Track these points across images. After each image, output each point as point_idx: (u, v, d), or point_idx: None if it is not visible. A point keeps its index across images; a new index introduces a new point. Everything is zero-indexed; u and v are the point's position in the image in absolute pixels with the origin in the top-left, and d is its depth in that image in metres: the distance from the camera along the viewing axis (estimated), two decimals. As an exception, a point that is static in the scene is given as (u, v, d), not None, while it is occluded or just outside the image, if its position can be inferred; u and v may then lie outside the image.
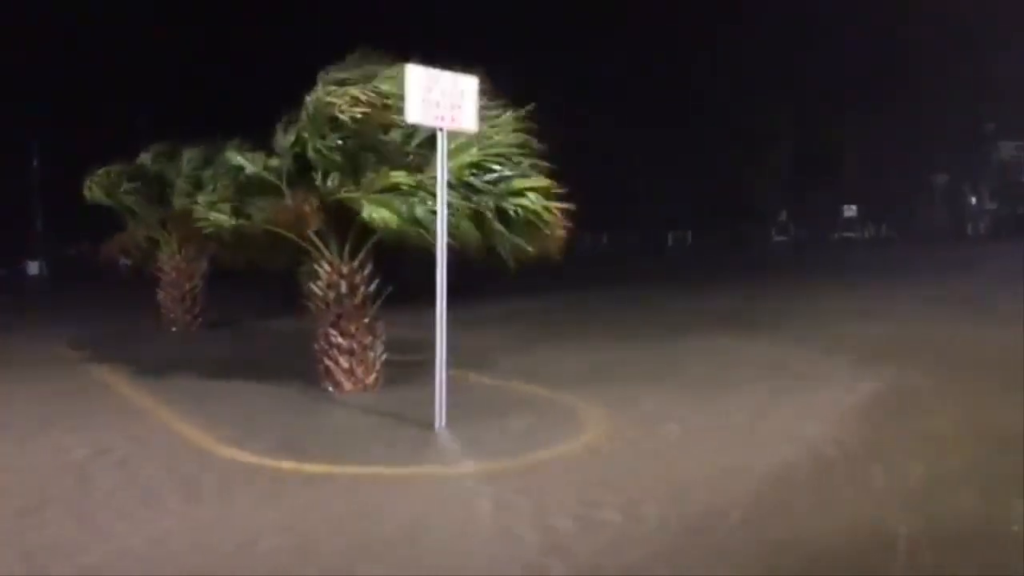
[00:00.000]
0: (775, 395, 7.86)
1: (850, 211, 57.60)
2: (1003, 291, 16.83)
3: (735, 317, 14.17)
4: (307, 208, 7.63)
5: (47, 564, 4.14)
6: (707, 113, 45.45)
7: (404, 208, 7.33)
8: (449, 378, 6.64)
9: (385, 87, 7.29)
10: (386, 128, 7.55)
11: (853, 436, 6.27)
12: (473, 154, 7.33)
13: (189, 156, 13.16)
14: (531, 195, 7.40)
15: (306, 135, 7.75)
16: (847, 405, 7.37)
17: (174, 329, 14.58)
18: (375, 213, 7.35)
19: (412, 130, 7.52)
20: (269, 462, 5.85)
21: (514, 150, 7.49)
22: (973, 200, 65.20)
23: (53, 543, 4.40)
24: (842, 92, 48.04)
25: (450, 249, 6.77)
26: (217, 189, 8.96)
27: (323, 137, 7.62)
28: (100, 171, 14.71)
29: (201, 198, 9.13)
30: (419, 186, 7.33)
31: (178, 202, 12.89)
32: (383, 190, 7.43)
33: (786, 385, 8.33)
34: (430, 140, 7.26)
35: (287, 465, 5.76)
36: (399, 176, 7.41)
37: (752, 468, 5.48)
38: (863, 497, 4.93)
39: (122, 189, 14.37)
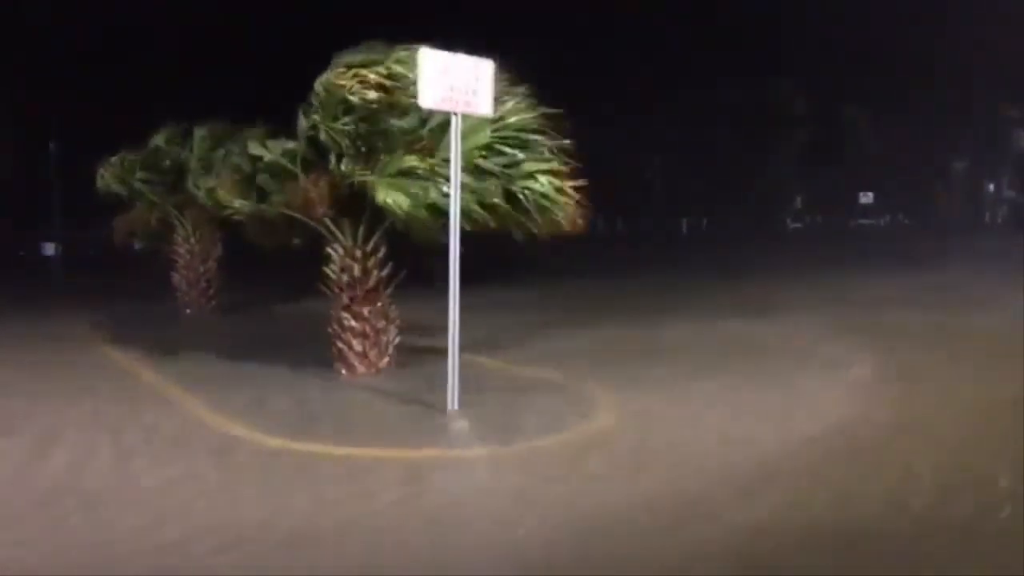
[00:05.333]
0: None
1: (866, 198, 57.05)
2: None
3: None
4: (313, 194, 7.64)
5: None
6: (723, 99, 45.08)
7: (418, 193, 7.33)
8: (461, 362, 6.66)
9: (397, 69, 7.28)
10: (401, 112, 7.54)
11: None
12: (485, 136, 7.31)
13: (201, 136, 13.17)
14: (542, 178, 7.39)
15: (318, 118, 7.76)
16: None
17: (188, 311, 14.68)
18: (389, 197, 7.34)
19: (426, 114, 7.51)
20: (281, 443, 5.91)
21: (527, 133, 7.46)
22: (991, 188, 64.44)
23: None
24: (859, 78, 47.53)
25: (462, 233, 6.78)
26: (223, 171, 9.03)
27: (335, 120, 7.64)
28: (113, 159, 14.74)
29: (205, 181, 9.18)
30: (433, 170, 7.34)
31: (192, 185, 12.94)
32: (398, 173, 7.44)
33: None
34: (443, 124, 7.26)
35: (300, 447, 5.82)
36: (413, 160, 7.41)
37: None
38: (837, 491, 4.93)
39: (136, 177, 14.41)
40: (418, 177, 7.36)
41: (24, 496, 4.92)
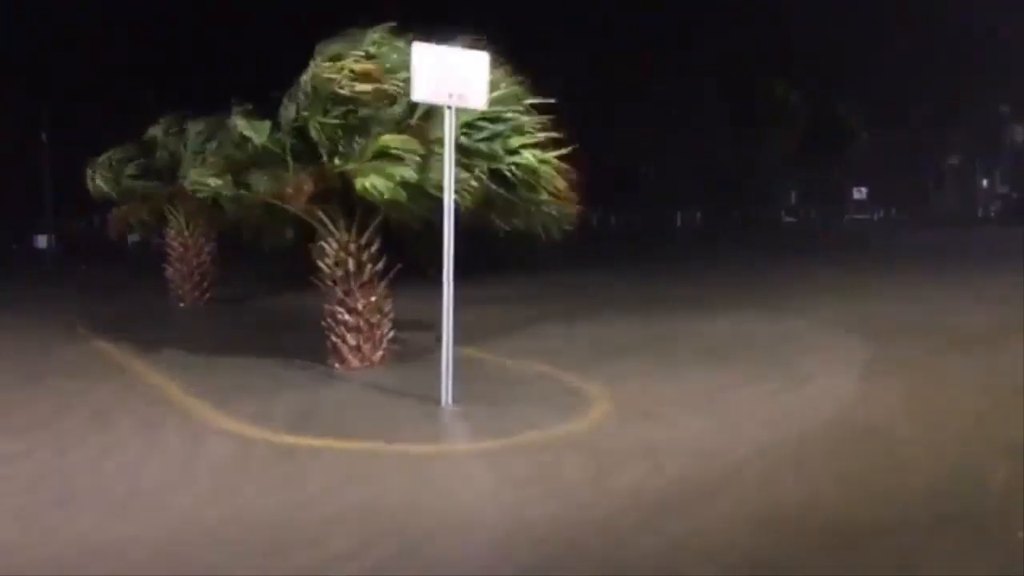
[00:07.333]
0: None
1: (860, 193, 57.18)
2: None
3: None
4: (305, 186, 7.59)
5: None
6: (717, 93, 45.11)
7: (394, 173, 7.23)
8: (456, 356, 6.64)
9: (374, 51, 7.22)
10: (391, 100, 7.47)
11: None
12: (465, 115, 7.23)
13: (196, 129, 13.11)
14: (528, 152, 7.35)
15: (307, 113, 7.69)
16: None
17: (182, 305, 14.64)
18: (368, 182, 7.24)
19: (413, 104, 7.43)
20: (275, 437, 5.89)
21: (509, 108, 7.40)
22: (984, 183, 64.65)
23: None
24: (855, 73, 47.63)
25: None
26: (212, 157, 8.95)
27: (324, 114, 7.59)
28: (101, 159, 14.61)
29: (194, 171, 9.13)
30: (407, 146, 7.25)
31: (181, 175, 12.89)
32: (374, 156, 7.37)
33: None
34: (428, 112, 7.27)
35: (292, 440, 5.80)
36: (388, 139, 7.33)
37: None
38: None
39: (127, 174, 14.33)
40: (394, 157, 7.30)
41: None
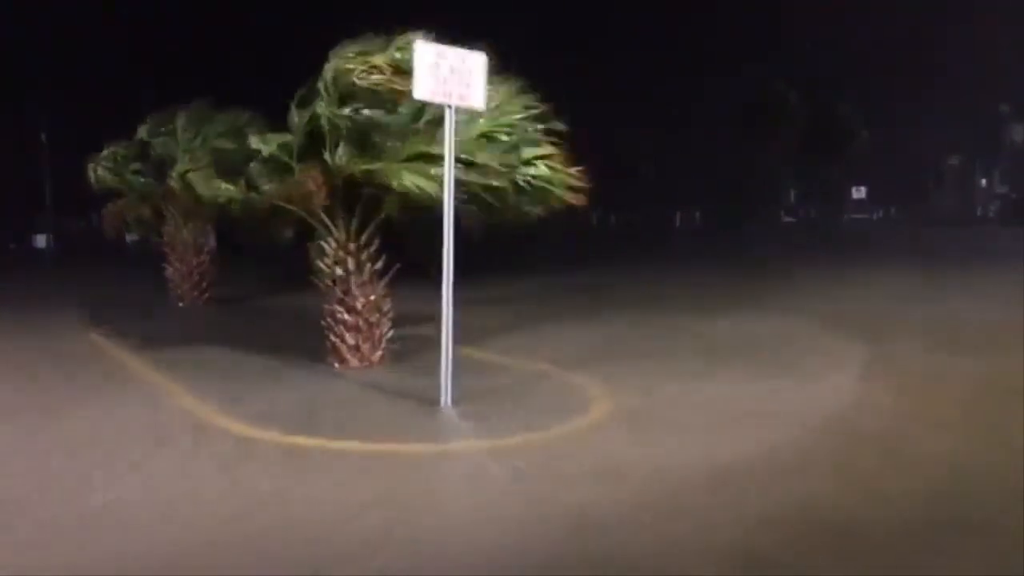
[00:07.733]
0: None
1: (859, 193, 57.30)
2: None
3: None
4: (312, 185, 7.58)
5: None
6: (717, 92, 45.16)
7: (439, 173, 7.23)
8: (456, 355, 6.62)
9: (399, 56, 7.23)
10: (397, 102, 7.48)
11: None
12: (481, 126, 7.27)
13: (184, 124, 13.03)
14: (540, 163, 7.39)
15: (323, 105, 7.71)
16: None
17: (182, 304, 14.63)
18: (410, 181, 7.23)
19: (421, 106, 7.46)
20: (274, 437, 5.88)
21: (522, 120, 7.44)
22: (983, 183, 64.68)
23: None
24: (853, 72, 47.68)
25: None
26: (199, 154, 8.94)
27: (340, 107, 7.60)
28: (105, 153, 14.55)
29: (178, 169, 9.12)
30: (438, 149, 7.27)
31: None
32: (416, 157, 7.39)
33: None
34: (438, 118, 7.24)
35: (291, 440, 5.79)
36: (422, 144, 7.38)
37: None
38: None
39: (131, 169, 14.27)
40: (434, 159, 7.30)
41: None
